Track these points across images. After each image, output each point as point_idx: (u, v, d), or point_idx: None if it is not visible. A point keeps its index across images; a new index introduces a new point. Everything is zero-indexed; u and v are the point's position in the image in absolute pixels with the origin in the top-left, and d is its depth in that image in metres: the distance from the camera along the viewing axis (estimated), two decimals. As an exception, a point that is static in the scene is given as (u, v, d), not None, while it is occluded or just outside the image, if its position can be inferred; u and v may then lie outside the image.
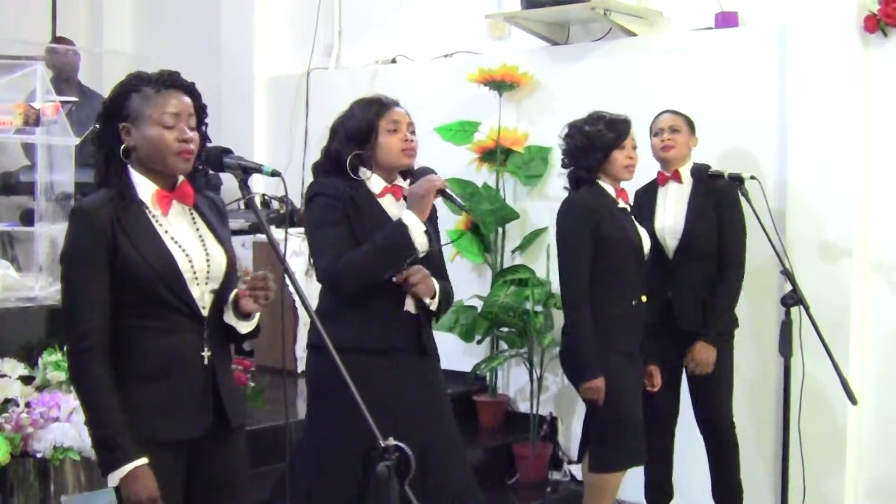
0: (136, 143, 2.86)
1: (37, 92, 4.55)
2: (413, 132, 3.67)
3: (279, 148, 7.48)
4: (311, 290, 6.29)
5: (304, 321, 6.59)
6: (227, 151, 2.87)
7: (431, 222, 3.68)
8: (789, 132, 5.16)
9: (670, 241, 4.81)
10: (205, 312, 2.89)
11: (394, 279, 3.52)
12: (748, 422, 5.12)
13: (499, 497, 5.64)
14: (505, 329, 5.94)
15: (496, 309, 5.81)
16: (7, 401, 3.77)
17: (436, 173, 3.64)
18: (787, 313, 4.29)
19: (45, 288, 4.35)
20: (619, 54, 5.83)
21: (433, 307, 3.63)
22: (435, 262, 3.69)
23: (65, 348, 2.82)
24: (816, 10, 5.08)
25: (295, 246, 6.62)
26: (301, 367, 6.55)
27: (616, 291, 4.39)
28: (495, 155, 6.10)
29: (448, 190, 3.61)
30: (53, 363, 4.03)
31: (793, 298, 4.26)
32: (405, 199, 3.62)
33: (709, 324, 4.71)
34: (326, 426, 3.56)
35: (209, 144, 2.95)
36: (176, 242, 2.86)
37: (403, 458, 2.43)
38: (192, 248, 2.89)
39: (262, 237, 6.96)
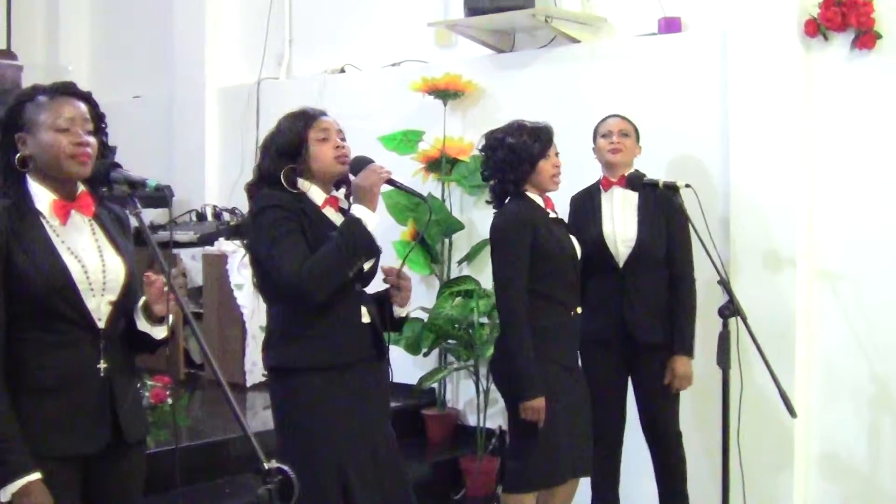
0: (32, 152, 2.84)
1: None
2: (343, 139, 3.62)
3: (231, 158, 7.46)
4: (261, 306, 6.27)
5: (251, 334, 6.52)
6: (116, 166, 2.88)
7: None
8: (731, 139, 5.09)
9: (622, 249, 4.71)
10: (101, 324, 2.85)
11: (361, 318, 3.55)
12: (694, 433, 5.00)
13: (444, 512, 5.57)
14: (452, 341, 5.85)
15: (441, 321, 5.72)
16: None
17: (374, 162, 3.56)
18: (725, 324, 4.19)
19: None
20: (563, 62, 5.76)
21: (403, 314, 3.69)
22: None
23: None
24: (757, 16, 5.01)
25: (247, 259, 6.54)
26: (250, 380, 6.49)
27: (553, 303, 4.29)
28: (440, 165, 6.02)
29: (395, 179, 3.55)
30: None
31: (729, 309, 4.17)
32: (346, 206, 3.61)
33: (683, 338, 4.66)
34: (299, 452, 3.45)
35: (102, 160, 2.94)
36: (71, 252, 2.82)
37: (286, 481, 2.40)
38: (88, 258, 2.85)
39: (211, 249, 6.89)
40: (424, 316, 5.85)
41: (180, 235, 7.19)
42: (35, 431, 2.73)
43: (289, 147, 3.55)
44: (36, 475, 2.68)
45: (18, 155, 2.83)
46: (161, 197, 2.75)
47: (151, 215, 7.51)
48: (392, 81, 6.48)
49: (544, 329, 4.24)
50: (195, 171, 7.68)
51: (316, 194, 3.56)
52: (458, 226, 5.99)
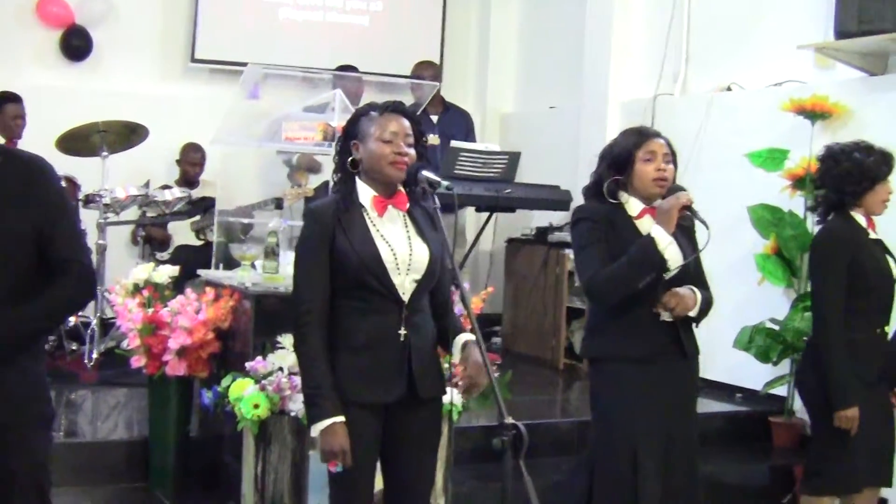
0: (362, 157, 3.44)
1: (335, 111, 5.24)
2: (669, 162, 4.00)
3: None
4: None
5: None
6: (422, 168, 3.41)
7: (689, 237, 4.07)
8: None
9: None
10: (405, 297, 3.39)
11: (660, 316, 3.96)
12: None
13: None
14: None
15: (789, 333, 5.95)
16: (279, 368, 4.47)
17: (685, 191, 3.97)
18: None
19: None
20: (935, 86, 5.77)
21: (693, 314, 4.00)
22: (693, 273, 4.04)
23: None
24: None
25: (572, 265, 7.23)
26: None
27: (861, 318, 4.48)
28: (805, 183, 6.21)
29: (692, 208, 3.93)
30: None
31: None
32: None
33: None
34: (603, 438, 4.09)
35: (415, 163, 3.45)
36: (384, 239, 3.40)
37: (518, 436, 2.89)
38: (397, 243, 3.41)
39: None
40: (775, 327, 6.11)
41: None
42: (345, 381, 3.32)
43: (617, 161, 4.03)
44: (339, 418, 3.27)
45: (351, 158, 3.45)
46: (449, 195, 3.30)
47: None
48: (770, 101, 6.68)
49: (852, 342, 4.44)
50: (597, 178, 8.24)
51: (634, 206, 4.02)
52: (815, 242, 6.16)
